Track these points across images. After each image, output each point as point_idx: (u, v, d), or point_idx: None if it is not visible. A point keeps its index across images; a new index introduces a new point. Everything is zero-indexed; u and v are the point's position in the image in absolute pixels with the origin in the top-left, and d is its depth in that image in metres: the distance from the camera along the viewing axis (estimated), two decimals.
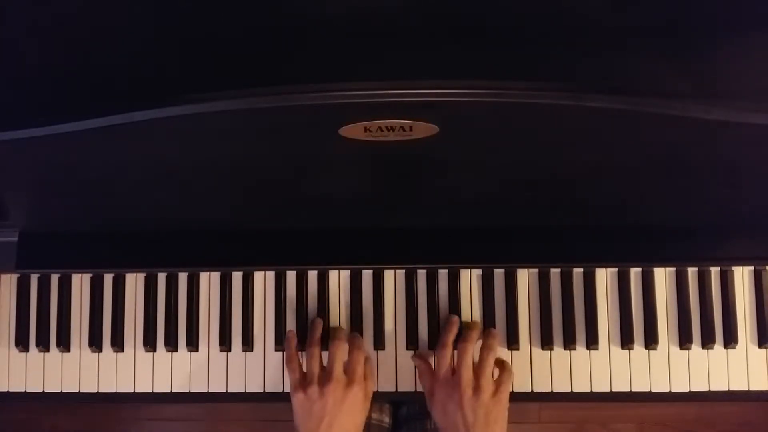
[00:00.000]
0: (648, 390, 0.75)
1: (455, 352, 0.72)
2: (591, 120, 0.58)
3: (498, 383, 0.70)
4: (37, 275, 0.80)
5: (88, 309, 0.79)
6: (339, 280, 0.78)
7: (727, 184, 0.68)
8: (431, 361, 0.74)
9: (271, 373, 0.77)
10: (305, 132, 0.61)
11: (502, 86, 0.55)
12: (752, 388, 0.75)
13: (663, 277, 0.76)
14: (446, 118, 0.58)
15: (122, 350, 0.78)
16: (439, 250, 0.76)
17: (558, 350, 0.76)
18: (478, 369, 0.70)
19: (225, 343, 0.77)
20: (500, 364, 0.73)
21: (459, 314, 0.76)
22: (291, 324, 0.77)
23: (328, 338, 0.75)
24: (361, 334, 0.76)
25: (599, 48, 0.59)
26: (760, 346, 0.75)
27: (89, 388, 0.79)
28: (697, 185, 0.68)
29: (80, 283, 0.79)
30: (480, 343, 0.73)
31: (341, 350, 0.71)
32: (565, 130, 0.61)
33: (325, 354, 0.73)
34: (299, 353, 0.74)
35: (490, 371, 0.70)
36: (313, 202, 0.73)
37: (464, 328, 0.74)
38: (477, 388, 0.68)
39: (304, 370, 0.72)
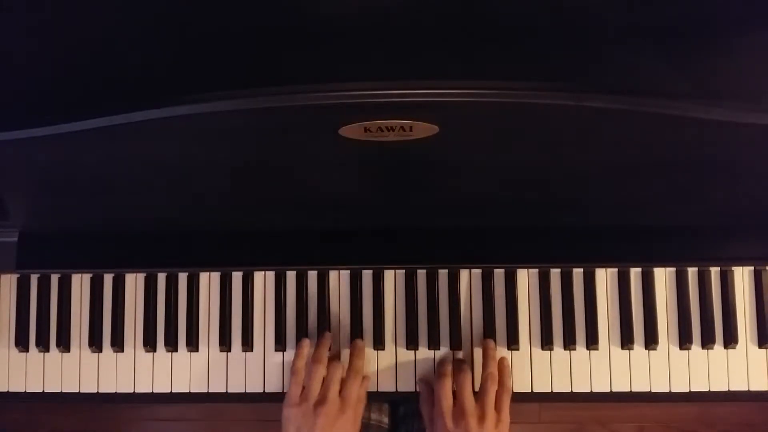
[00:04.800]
0: (648, 390, 0.75)
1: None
2: (591, 120, 0.58)
3: (499, 409, 0.70)
4: (37, 275, 0.80)
5: (88, 309, 0.79)
6: (339, 280, 0.78)
7: (727, 184, 0.68)
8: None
9: (271, 373, 0.77)
10: (305, 132, 0.61)
11: (502, 86, 0.55)
12: (752, 388, 0.75)
13: (663, 277, 0.76)
14: (446, 118, 0.58)
15: (122, 350, 0.78)
16: (439, 250, 0.76)
17: (558, 350, 0.76)
18: (481, 397, 0.69)
19: (225, 343, 0.77)
20: (499, 385, 0.72)
21: (459, 314, 0.76)
22: (291, 324, 0.77)
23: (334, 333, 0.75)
24: (361, 335, 0.76)
25: (599, 48, 0.59)
26: (760, 346, 0.75)
27: (89, 388, 0.79)
28: (697, 185, 0.68)
29: (80, 283, 0.79)
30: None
31: (339, 372, 0.72)
32: (565, 130, 0.61)
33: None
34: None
35: (493, 399, 0.70)
36: (313, 202, 0.73)
37: (456, 361, 0.73)
38: (481, 417, 0.68)
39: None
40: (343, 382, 0.72)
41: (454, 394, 0.71)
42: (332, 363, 0.72)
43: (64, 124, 0.59)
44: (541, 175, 0.67)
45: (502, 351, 0.76)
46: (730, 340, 0.75)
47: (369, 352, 0.76)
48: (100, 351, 0.79)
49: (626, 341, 0.75)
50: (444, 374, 0.72)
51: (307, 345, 0.75)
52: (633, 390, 0.75)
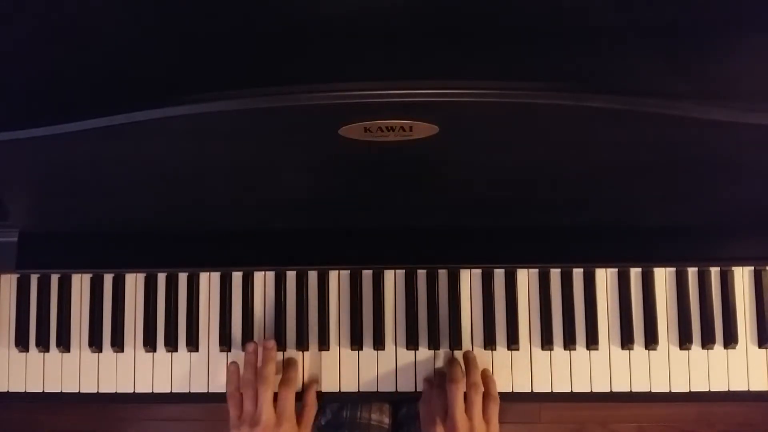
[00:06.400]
0: (648, 390, 0.75)
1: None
2: (591, 120, 0.58)
3: (488, 420, 0.70)
4: (37, 275, 0.80)
5: (88, 309, 0.79)
6: (339, 280, 0.78)
7: (727, 184, 0.68)
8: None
9: None
10: (305, 132, 0.61)
11: (502, 86, 0.55)
12: (752, 388, 0.75)
13: (663, 277, 0.76)
14: (446, 118, 0.58)
15: (122, 350, 0.78)
16: (439, 250, 0.76)
17: (558, 350, 0.76)
18: (469, 409, 0.70)
19: (225, 343, 0.77)
20: (486, 395, 0.72)
21: (458, 314, 0.76)
22: (291, 324, 0.77)
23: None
24: (361, 334, 0.76)
25: (599, 48, 0.59)
26: (760, 346, 0.75)
27: (89, 388, 0.79)
28: (697, 185, 0.68)
29: (80, 283, 0.79)
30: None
31: (269, 389, 0.71)
32: (566, 130, 0.61)
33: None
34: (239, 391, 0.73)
35: (480, 409, 0.70)
36: (314, 202, 0.73)
37: (449, 366, 0.73)
38: (471, 430, 0.69)
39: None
40: (277, 396, 0.72)
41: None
42: (261, 381, 0.71)
43: (64, 124, 0.59)
44: (541, 175, 0.67)
45: (502, 351, 0.76)
46: (730, 340, 0.75)
47: (369, 352, 0.76)
48: (100, 351, 0.79)
49: (626, 341, 0.75)
50: (438, 385, 0.72)
51: (234, 367, 0.74)
52: (633, 390, 0.75)
